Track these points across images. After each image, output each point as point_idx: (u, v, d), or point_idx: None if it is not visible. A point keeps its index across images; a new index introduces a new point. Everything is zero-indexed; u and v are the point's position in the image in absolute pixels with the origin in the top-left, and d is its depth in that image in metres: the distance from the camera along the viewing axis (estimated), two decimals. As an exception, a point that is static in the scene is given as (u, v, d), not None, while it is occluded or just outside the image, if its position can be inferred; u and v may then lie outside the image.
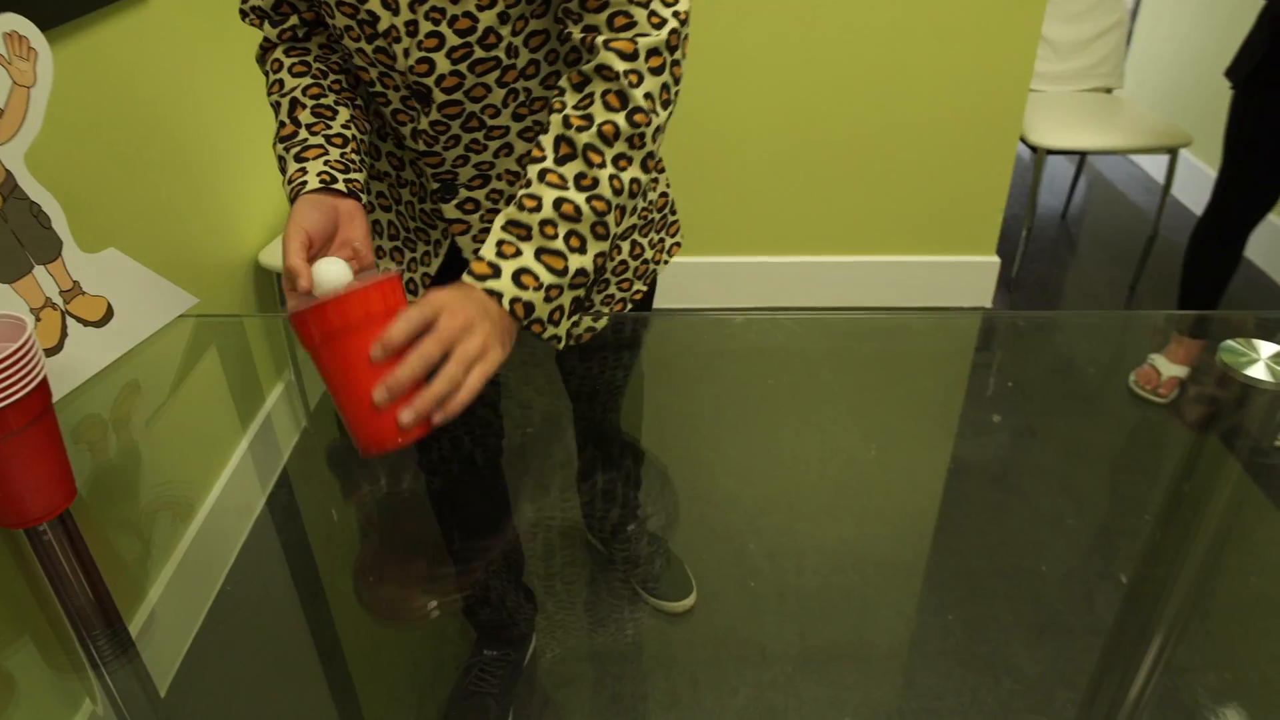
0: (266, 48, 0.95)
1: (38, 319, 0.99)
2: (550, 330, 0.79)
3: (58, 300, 1.01)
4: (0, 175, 0.94)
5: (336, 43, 0.97)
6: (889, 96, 2.37)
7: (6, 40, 0.94)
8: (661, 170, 1.08)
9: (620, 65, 0.79)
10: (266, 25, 0.93)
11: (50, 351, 1.00)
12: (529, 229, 0.78)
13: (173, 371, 1.12)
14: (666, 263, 1.14)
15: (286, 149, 0.90)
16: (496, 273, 0.76)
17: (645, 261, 1.09)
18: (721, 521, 0.89)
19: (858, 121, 2.41)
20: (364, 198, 0.90)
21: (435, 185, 0.99)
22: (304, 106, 0.90)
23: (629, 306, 1.10)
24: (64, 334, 1.01)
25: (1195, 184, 3.18)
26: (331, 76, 0.93)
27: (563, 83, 0.83)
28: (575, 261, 0.79)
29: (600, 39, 0.79)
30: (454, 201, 1.00)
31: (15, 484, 0.81)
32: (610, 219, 0.80)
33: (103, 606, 0.78)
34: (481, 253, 0.78)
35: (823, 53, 2.34)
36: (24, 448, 0.80)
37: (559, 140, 0.80)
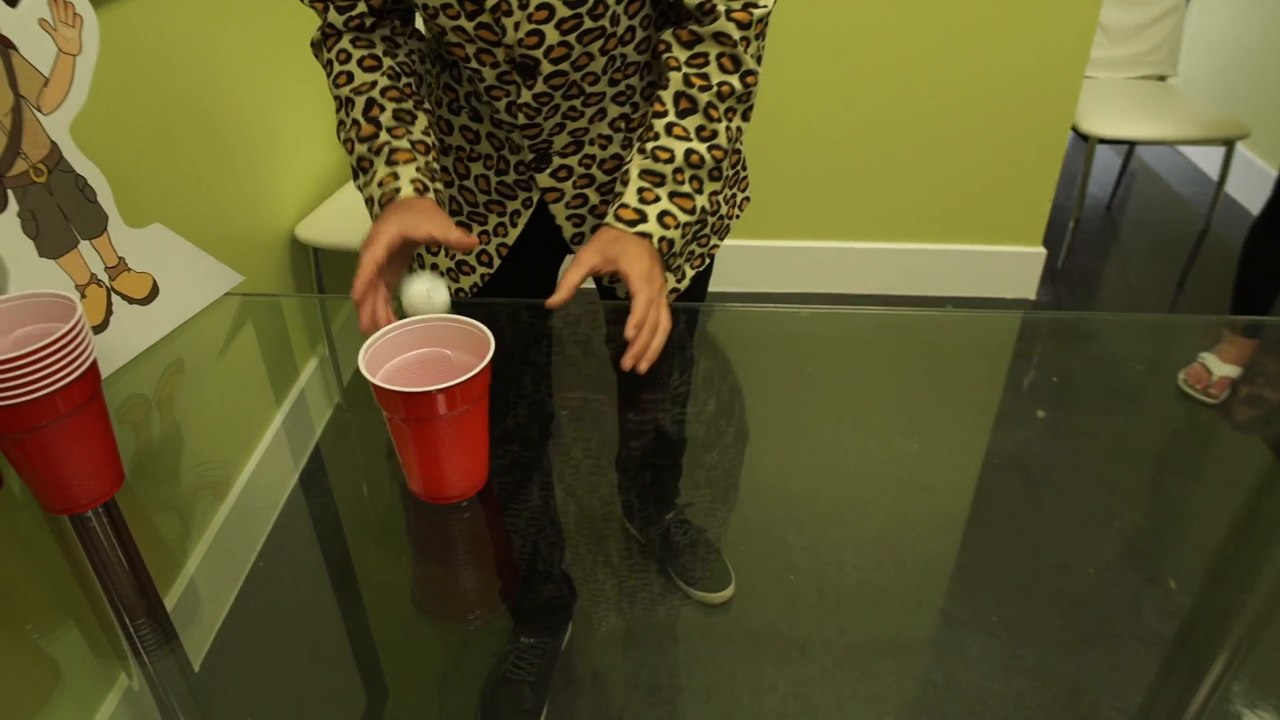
0: (329, 34, 0.93)
1: (83, 296, 0.97)
2: (676, 262, 0.94)
3: (103, 277, 0.99)
4: (46, 147, 0.92)
5: (405, 31, 0.97)
6: (938, 79, 2.31)
7: (52, 5, 0.93)
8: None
9: (737, 33, 0.88)
10: (332, 11, 0.91)
11: (97, 329, 0.98)
12: (663, 177, 0.90)
13: (215, 350, 1.11)
14: (738, 216, 1.18)
15: (371, 150, 0.91)
16: (643, 217, 0.89)
17: (721, 217, 1.13)
18: (760, 513, 0.88)
19: (907, 105, 2.36)
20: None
21: (530, 156, 1.01)
22: (383, 109, 0.91)
23: (707, 262, 1.16)
24: (109, 311, 0.99)
25: (1248, 179, 3.09)
26: (404, 79, 0.94)
27: (668, 36, 0.91)
28: (698, 201, 0.92)
29: (721, 7, 0.87)
30: (549, 170, 1.02)
31: (63, 470, 0.79)
32: (725, 163, 0.93)
33: (142, 587, 0.78)
34: (624, 200, 0.89)
35: (872, 33, 2.29)
36: (72, 432, 0.78)
37: (679, 96, 0.90)
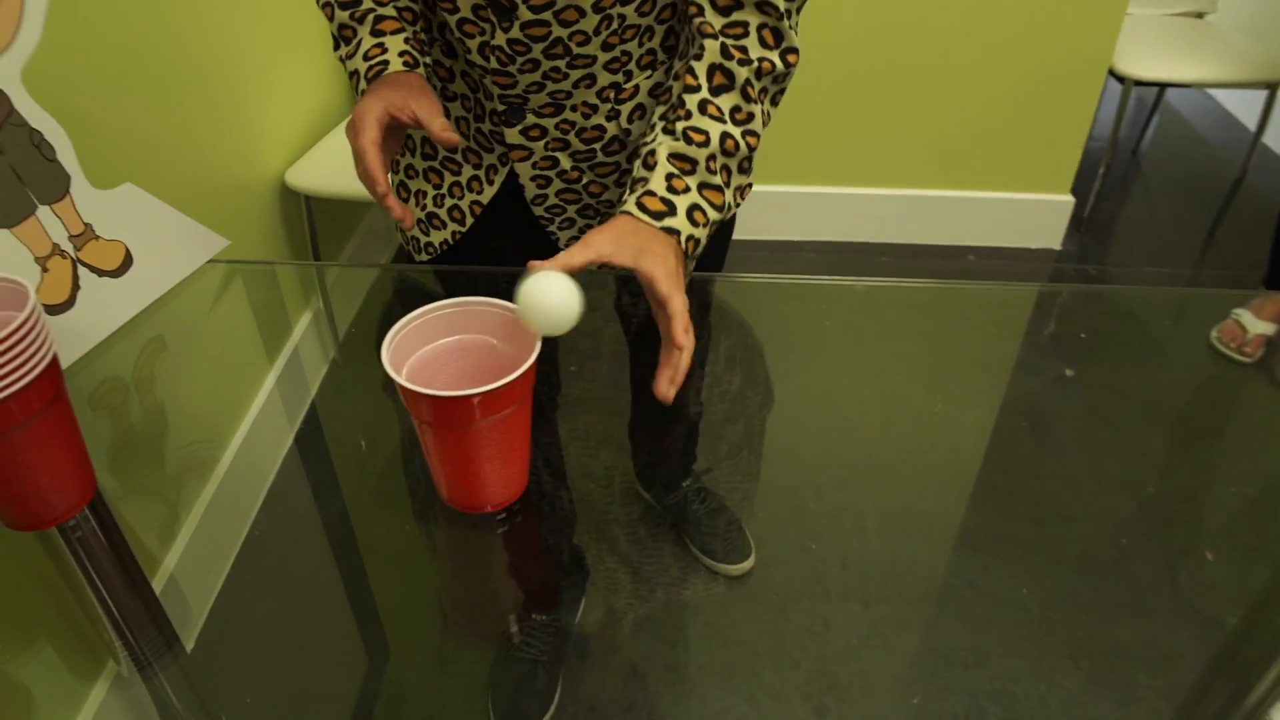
0: None
1: (44, 270, 0.86)
2: (694, 259, 0.79)
3: (67, 247, 0.87)
4: (-9, 98, 0.80)
5: None
6: (969, 14, 2.21)
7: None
8: None
9: (784, 4, 0.78)
10: None
11: (60, 308, 0.87)
12: (695, 163, 0.77)
13: (199, 324, 1.03)
14: (740, 204, 1.07)
15: (354, 16, 0.82)
16: (672, 210, 0.75)
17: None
18: (780, 478, 0.85)
19: (936, 44, 2.26)
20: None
21: (501, 107, 0.91)
22: None
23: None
24: (76, 286, 0.88)
25: (1281, 125, 2.98)
26: None
27: None
28: (727, 196, 0.80)
29: None
30: (519, 126, 0.92)
31: (24, 485, 0.69)
32: (755, 154, 0.81)
33: (128, 571, 0.74)
34: (651, 186, 0.76)
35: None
36: (32, 442, 0.68)
37: (714, 69, 0.78)
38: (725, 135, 0.78)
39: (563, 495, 0.80)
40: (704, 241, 0.78)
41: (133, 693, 0.64)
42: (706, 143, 0.77)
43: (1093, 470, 0.86)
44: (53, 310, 0.88)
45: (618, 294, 1.06)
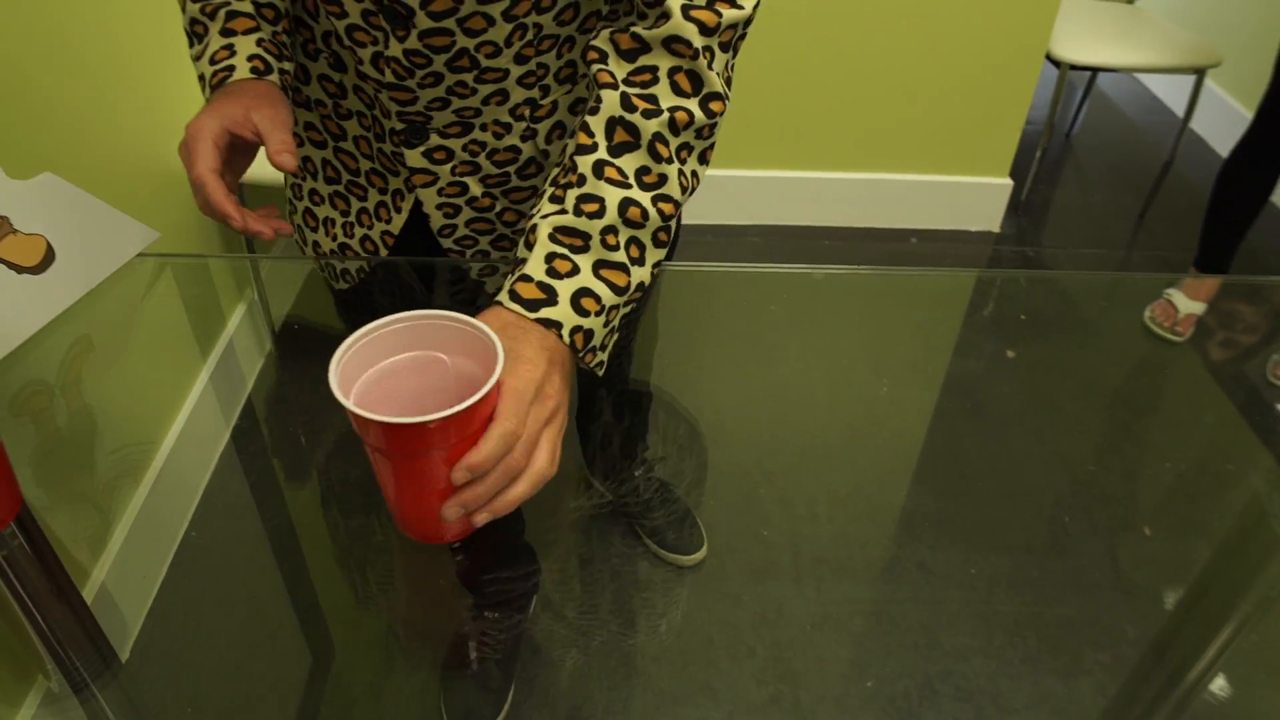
0: None
1: None
2: (598, 357, 0.66)
3: None
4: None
5: None
6: (910, 4, 2.23)
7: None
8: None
9: (699, 41, 0.65)
10: None
11: None
12: (587, 238, 0.64)
13: (127, 319, 0.97)
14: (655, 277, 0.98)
15: (205, 11, 0.72)
16: (551, 298, 0.62)
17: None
18: (730, 465, 0.84)
19: (874, 27, 2.28)
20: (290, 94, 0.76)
21: (400, 125, 0.81)
22: None
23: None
24: None
25: (1212, 113, 3.08)
26: None
27: (603, 42, 0.67)
28: (636, 275, 0.66)
29: (678, 3, 0.65)
30: (420, 148, 0.82)
31: None
32: (673, 223, 0.68)
33: (55, 581, 0.69)
34: (527, 270, 0.63)
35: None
36: None
37: (614, 124, 0.66)
38: (627, 203, 0.64)
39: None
40: (606, 332, 0.65)
41: (64, 705, 0.62)
42: (600, 213, 0.64)
43: (1035, 449, 0.88)
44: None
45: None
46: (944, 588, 0.72)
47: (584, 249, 0.64)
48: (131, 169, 1.52)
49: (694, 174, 0.69)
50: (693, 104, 0.66)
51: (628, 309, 0.67)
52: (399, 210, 0.86)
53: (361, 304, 0.94)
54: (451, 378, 0.63)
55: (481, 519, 0.57)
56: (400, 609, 0.72)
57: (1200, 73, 2.41)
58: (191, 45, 0.75)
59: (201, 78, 0.72)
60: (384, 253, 0.89)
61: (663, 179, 0.66)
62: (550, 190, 0.67)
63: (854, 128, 2.46)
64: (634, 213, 0.65)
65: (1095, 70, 2.70)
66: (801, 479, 0.83)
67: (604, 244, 0.64)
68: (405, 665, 0.67)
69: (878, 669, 0.65)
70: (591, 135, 0.66)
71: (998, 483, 0.84)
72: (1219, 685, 0.66)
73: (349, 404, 0.55)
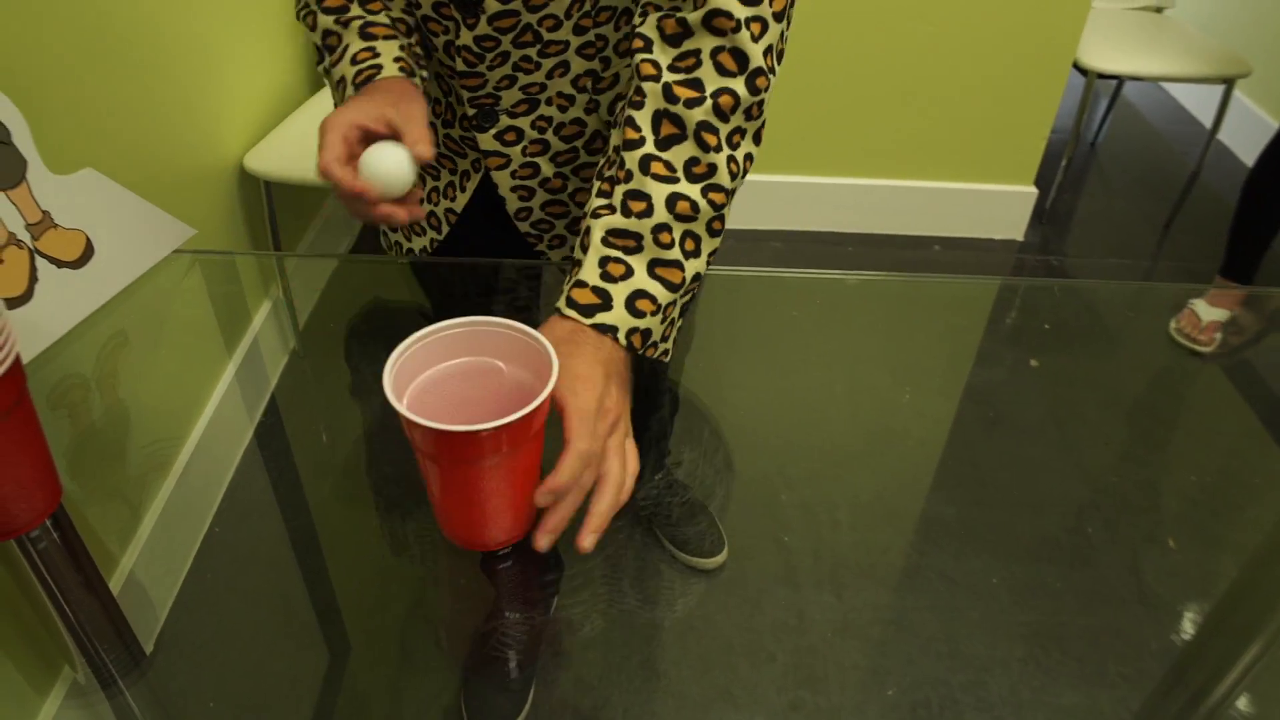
0: None
1: (0, 261, 0.81)
2: (660, 349, 0.67)
3: (24, 236, 0.82)
4: (-64, 73, 0.75)
5: None
6: (938, 12, 2.22)
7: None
8: None
9: (742, 12, 0.63)
10: None
11: (17, 301, 0.82)
12: (639, 239, 0.64)
13: (163, 316, 0.99)
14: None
15: (339, 22, 0.74)
16: (606, 302, 0.63)
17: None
18: (751, 470, 0.84)
19: (902, 35, 2.27)
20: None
21: (471, 111, 0.84)
22: None
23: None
24: (33, 279, 0.83)
25: (1239, 123, 3.05)
26: None
27: (647, 29, 0.67)
28: (691, 268, 0.65)
29: None
30: (493, 130, 0.85)
31: None
32: (727, 210, 0.67)
33: (84, 575, 0.70)
34: (582, 274, 0.63)
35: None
36: None
37: (660, 117, 0.65)
38: (675, 197, 0.64)
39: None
40: (664, 326, 0.65)
41: (90, 699, 0.62)
42: (649, 211, 0.63)
43: (1058, 459, 0.87)
44: (9, 304, 0.83)
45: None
46: (965, 596, 0.72)
47: (637, 249, 0.64)
48: (167, 166, 1.54)
49: (747, 156, 0.70)
50: (738, 84, 0.65)
51: (686, 299, 0.67)
52: (463, 190, 0.92)
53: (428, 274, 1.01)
54: (506, 386, 0.63)
55: (585, 544, 0.59)
56: (421, 608, 0.72)
57: (1229, 83, 2.39)
58: (322, 59, 0.77)
59: (340, 82, 0.74)
60: (446, 229, 0.95)
61: (712, 169, 0.65)
62: (598, 184, 0.68)
63: (879, 134, 2.45)
64: (683, 207, 0.64)
65: (1121, 79, 2.68)
66: (823, 485, 0.83)
67: (657, 243, 0.64)
68: (426, 664, 0.67)
69: (899, 677, 0.65)
70: (638, 129, 0.65)
71: (1020, 492, 0.84)
72: (1244, 702, 0.66)
73: (402, 408, 0.56)
